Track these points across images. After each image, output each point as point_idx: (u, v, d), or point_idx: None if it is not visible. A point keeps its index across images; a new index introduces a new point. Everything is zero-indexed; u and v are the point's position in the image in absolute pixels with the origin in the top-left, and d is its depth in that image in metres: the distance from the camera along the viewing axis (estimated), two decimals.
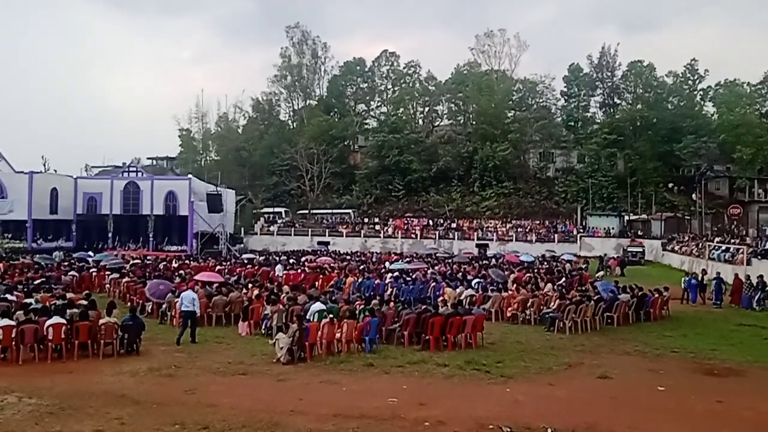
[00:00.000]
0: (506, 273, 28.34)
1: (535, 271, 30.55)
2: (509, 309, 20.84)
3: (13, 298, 17.42)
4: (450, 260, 37.54)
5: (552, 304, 20.16)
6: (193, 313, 16.50)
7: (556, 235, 53.85)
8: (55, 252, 39.97)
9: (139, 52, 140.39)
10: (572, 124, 70.26)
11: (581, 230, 54.42)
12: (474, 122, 70.22)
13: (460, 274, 28.36)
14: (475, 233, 55.75)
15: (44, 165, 67.94)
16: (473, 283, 24.34)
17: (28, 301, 16.45)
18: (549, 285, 23.78)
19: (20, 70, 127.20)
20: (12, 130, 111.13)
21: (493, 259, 39.77)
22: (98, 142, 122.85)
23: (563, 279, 26.64)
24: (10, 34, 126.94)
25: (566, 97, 71.30)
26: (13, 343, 13.66)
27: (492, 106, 66.03)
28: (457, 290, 22.16)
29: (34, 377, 12.43)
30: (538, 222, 57.82)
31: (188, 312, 16.47)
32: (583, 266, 35.97)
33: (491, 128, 64.53)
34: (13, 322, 13.84)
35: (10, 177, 49.56)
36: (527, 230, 55.72)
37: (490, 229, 56.93)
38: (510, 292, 22.00)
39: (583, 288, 23.60)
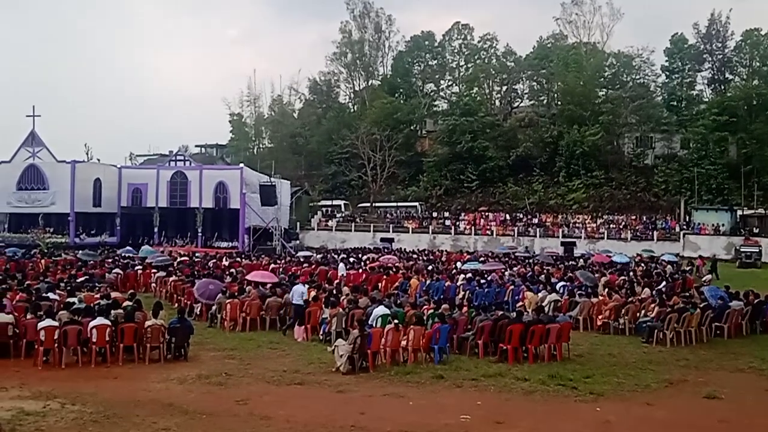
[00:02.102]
0: (596, 275, 27.81)
1: (631, 273, 29.84)
2: (600, 317, 20.50)
3: (56, 297, 18.25)
4: (531, 260, 37.20)
5: (650, 311, 19.68)
6: (303, 308, 18.38)
7: (654, 233, 52.45)
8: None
9: (185, 30, 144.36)
10: (675, 104, 67.99)
11: (685, 227, 52.83)
12: (559, 103, 69.07)
13: (543, 276, 27.92)
14: (560, 230, 54.91)
15: (87, 153, 71.10)
16: (558, 286, 24.02)
17: (71, 300, 17.17)
18: (646, 290, 23.19)
19: (60, 51, 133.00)
20: (53, 115, 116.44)
21: (581, 260, 39.20)
22: (143, 128, 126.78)
23: (663, 283, 25.93)
24: (47, 13, 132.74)
25: (668, 73, 69.13)
26: (56, 345, 14.29)
27: (580, 84, 64.68)
28: (539, 294, 21.88)
29: (78, 382, 12.99)
30: (633, 217, 56.44)
31: (298, 306, 18.43)
32: (687, 269, 34.93)
33: (579, 109, 63.23)
34: (56, 323, 14.48)
35: (51, 167, 51.71)
36: (621, 226, 54.51)
37: (577, 225, 55.98)
38: (601, 298, 21.60)
39: (687, 294, 22.91)
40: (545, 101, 72.61)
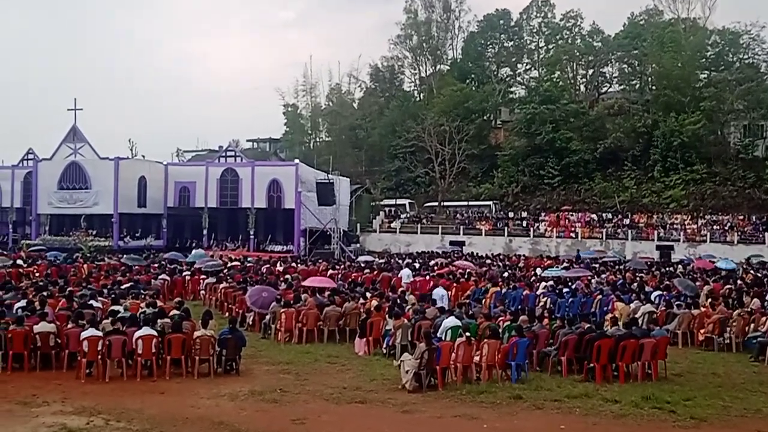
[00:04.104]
0: (698, 284, 27.19)
1: (738, 281, 29.10)
2: (702, 331, 20.04)
3: (99, 304, 18.86)
4: (621, 266, 36.70)
5: (761, 325, 19.23)
6: (442, 309, 19.14)
7: (766, 235, 50.91)
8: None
9: (234, 14, 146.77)
10: None
11: None
12: (654, 87, 67.85)
13: (636, 284, 27.52)
14: (656, 232, 53.84)
15: (131, 150, 73.16)
16: (653, 296, 23.65)
17: (115, 308, 17.69)
18: (756, 300, 22.54)
19: (101, 41, 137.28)
20: (95, 108, 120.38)
21: (680, 266, 38.56)
22: (191, 122, 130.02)
23: None
24: (88, 2, 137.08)
25: None
26: (100, 357, 14.76)
27: (678, 65, 63.21)
28: (632, 305, 21.55)
29: (122, 397, 13.38)
30: (741, 217, 54.94)
31: (441, 308, 19.19)
32: None
33: (677, 94, 61.82)
34: (99, 333, 14.95)
35: (94, 164, 53.37)
36: (726, 228, 53.14)
37: (675, 226, 54.81)
38: (703, 309, 21.17)
39: None
40: (637, 86, 71.20)
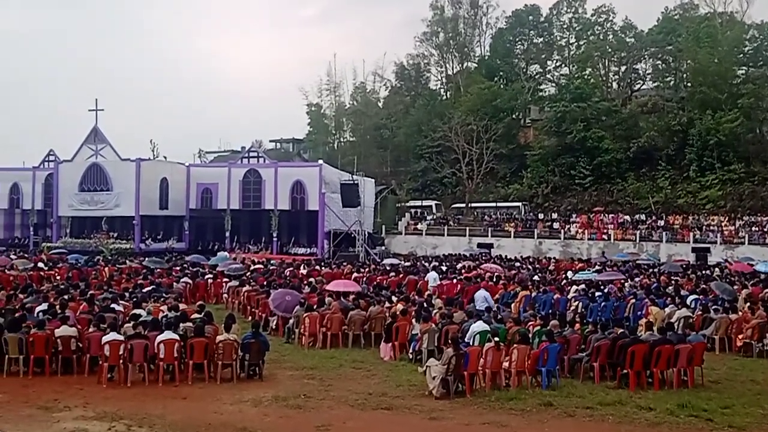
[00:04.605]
0: (735, 287, 27.02)
1: None
2: (740, 336, 19.92)
3: (120, 308, 19.04)
4: (656, 269, 36.45)
5: None
6: (483, 312, 19.46)
7: None
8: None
9: (254, 11, 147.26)
10: None
11: None
12: (689, 84, 67.21)
13: (671, 288, 27.37)
14: (691, 233, 53.34)
15: (153, 151, 73.89)
16: (689, 300, 23.44)
17: (137, 312, 17.85)
18: None
19: (121, 41, 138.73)
20: (117, 109, 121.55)
21: (717, 269, 38.22)
22: (213, 122, 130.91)
23: None
24: (106, 1, 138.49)
25: None
26: (121, 361, 14.90)
27: (714, 61, 62.69)
28: (666, 310, 21.43)
29: (144, 402, 13.51)
30: None
31: (480, 311, 19.51)
32: None
33: (713, 91, 61.28)
34: (121, 337, 15.09)
35: (115, 166, 53.83)
36: (765, 229, 52.53)
37: (711, 227, 54.29)
38: (741, 314, 20.99)
39: None
40: (672, 83, 70.68)
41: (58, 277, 30.05)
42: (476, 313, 18.96)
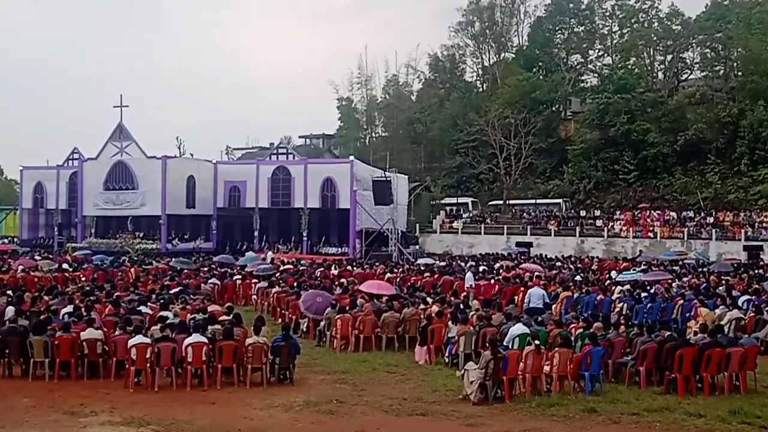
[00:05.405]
0: None
1: None
2: None
3: (148, 310, 19.25)
4: (705, 269, 36.09)
5: None
6: (541, 311, 20.11)
7: None
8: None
9: (285, 2, 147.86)
10: None
11: None
12: (740, 73, 66.47)
13: (721, 288, 27.04)
14: (743, 231, 52.76)
15: (179, 148, 74.69)
16: (741, 301, 23.07)
17: (164, 314, 18.02)
18: None
19: (145, 35, 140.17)
20: (142, 105, 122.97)
21: None
22: (240, 118, 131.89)
23: None
24: None
25: None
26: (148, 365, 15.06)
27: (767, 49, 61.81)
28: (717, 311, 21.16)
29: (172, 407, 13.64)
30: None
31: (536, 310, 20.31)
32: None
33: (766, 81, 60.49)
34: (147, 340, 15.27)
35: (140, 163, 54.31)
36: None
37: (764, 224, 53.66)
38: None
39: None
40: (721, 72, 69.79)
41: (83, 279, 30.33)
42: (516, 316, 18.89)
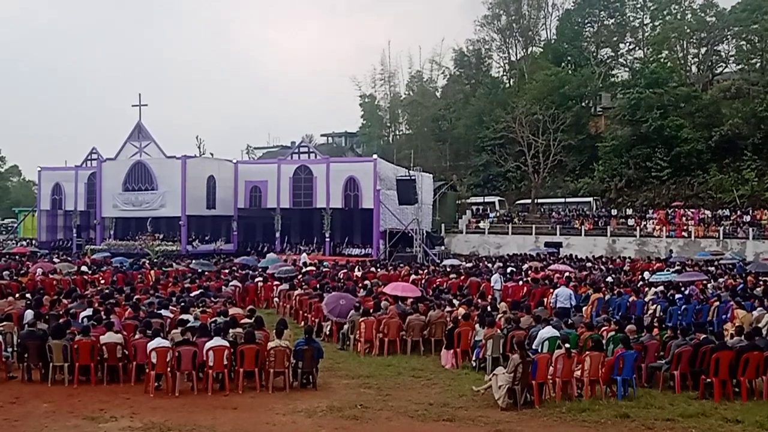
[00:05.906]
0: None
1: None
2: None
3: (168, 314, 19.38)
4: (742, 269, 35.66)
5: None
6: (569, 311, 20.46)
7: None
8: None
9: None
10: None
11: None
12: None
13: (759, 289, 26.75)
14: None
15: (199, 148, 75.16)
16: None
17: (185, 317, 18.14)
18: None
19: (164, 33, 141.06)
20: (161, 104, 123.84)
21: None
22: (261, 116, 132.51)
23: None
24: None
25: None
26: (169, 369, 15.16)
27: None
28: (755, 313, 20.95)
29: (193, 413, 13.72)
30: None
31: (564, 309, 20.73)
32: None
33: None
34: (168, 344, 15.38)
35: (160, 164, 54.57)
36: None
37: None
38: None
39: None
40: (758, 65, 69.07)
41: (102, 282, 30.55)
42: (545, 318, 18.83)
